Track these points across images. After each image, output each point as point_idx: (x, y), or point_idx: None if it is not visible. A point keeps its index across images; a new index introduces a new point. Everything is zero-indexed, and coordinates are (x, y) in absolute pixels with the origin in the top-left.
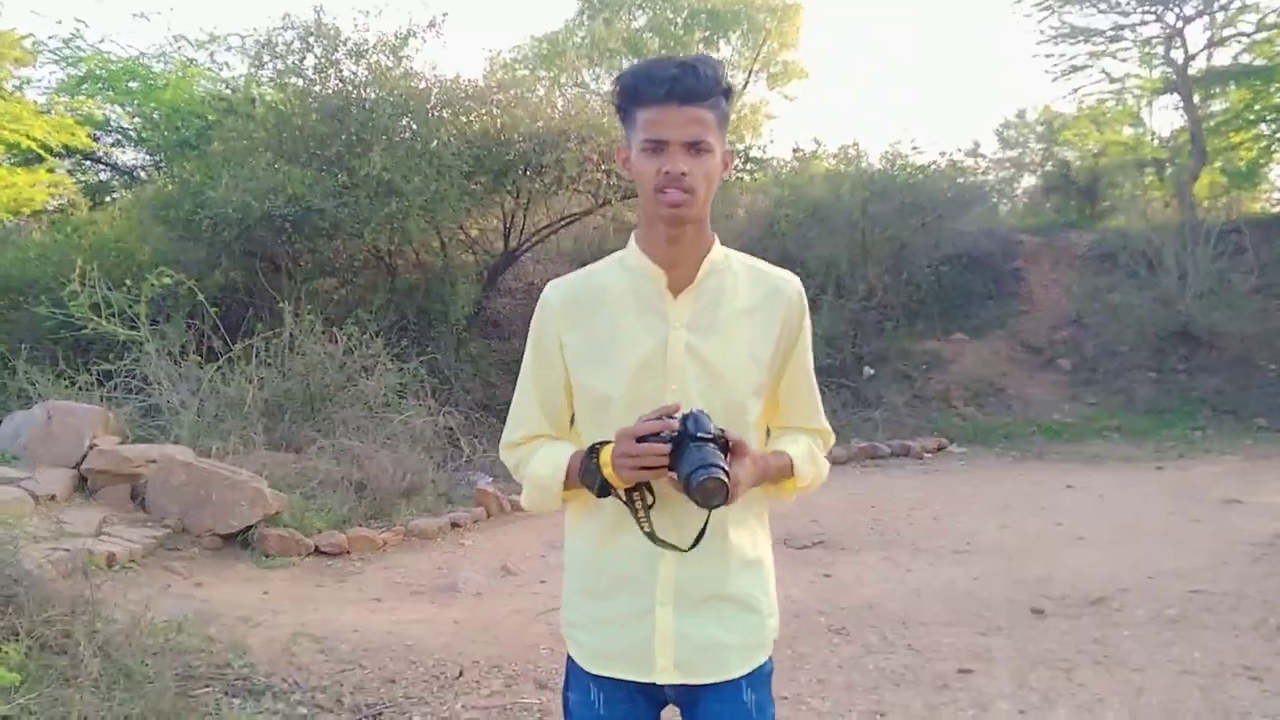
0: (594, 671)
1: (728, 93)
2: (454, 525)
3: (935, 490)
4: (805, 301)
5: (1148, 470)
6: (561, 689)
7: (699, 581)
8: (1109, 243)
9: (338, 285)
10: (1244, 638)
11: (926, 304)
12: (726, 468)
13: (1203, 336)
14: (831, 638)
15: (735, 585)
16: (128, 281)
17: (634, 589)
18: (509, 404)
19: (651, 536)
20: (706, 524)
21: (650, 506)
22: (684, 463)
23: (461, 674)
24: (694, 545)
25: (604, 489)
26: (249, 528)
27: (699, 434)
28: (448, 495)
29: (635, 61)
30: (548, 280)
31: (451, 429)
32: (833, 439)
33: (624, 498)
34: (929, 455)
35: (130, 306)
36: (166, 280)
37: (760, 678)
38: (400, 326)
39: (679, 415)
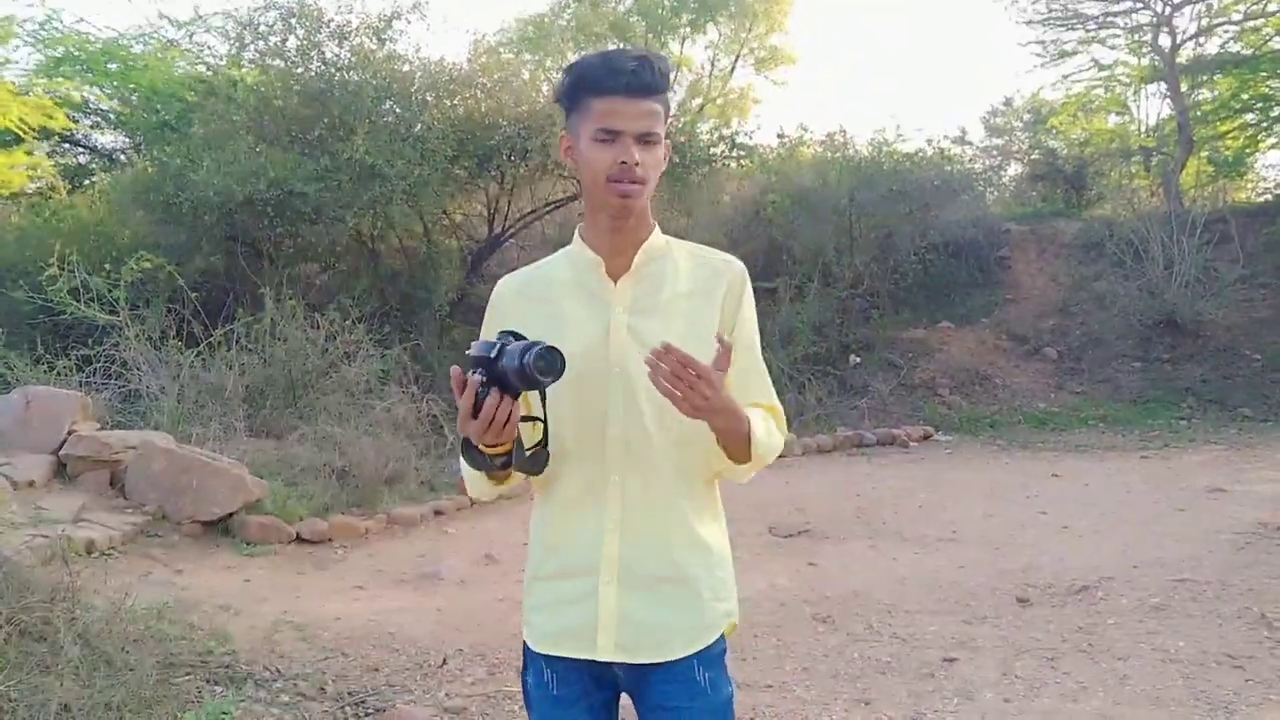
0: (543, 651)
1: (672, 88)
2: (437, 513)
3: (921, 479)
4: (747, 282)
5: (1133, 459)
6: (520, 674)
7: (643, 561)
8: (1095, 232)
9: (320, 270)
10: (1227, 626)
11: (913, 292)
12: (540, 341)
13: (1188, 326)
14: (817, 626)
15: (679, 566)
16: (107, 266)
17: (583, 570)
18: None
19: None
20: (545, 424)
21: (542, 439)
22: (510, 377)
23: (445, 662)
24: (542, 444)
25: (505, 461)
26: (230, 515)
27: (493, 353)
28: (431, 483)
29: (586, 54)
30: None
31: (435, 416)
32: (784, 420)
33: (534, 449)
34: (915, 444)
35: (110, 291)
36: (146, 265)
37: (711, 657)
38: (383, 312)
39: (472, 367)
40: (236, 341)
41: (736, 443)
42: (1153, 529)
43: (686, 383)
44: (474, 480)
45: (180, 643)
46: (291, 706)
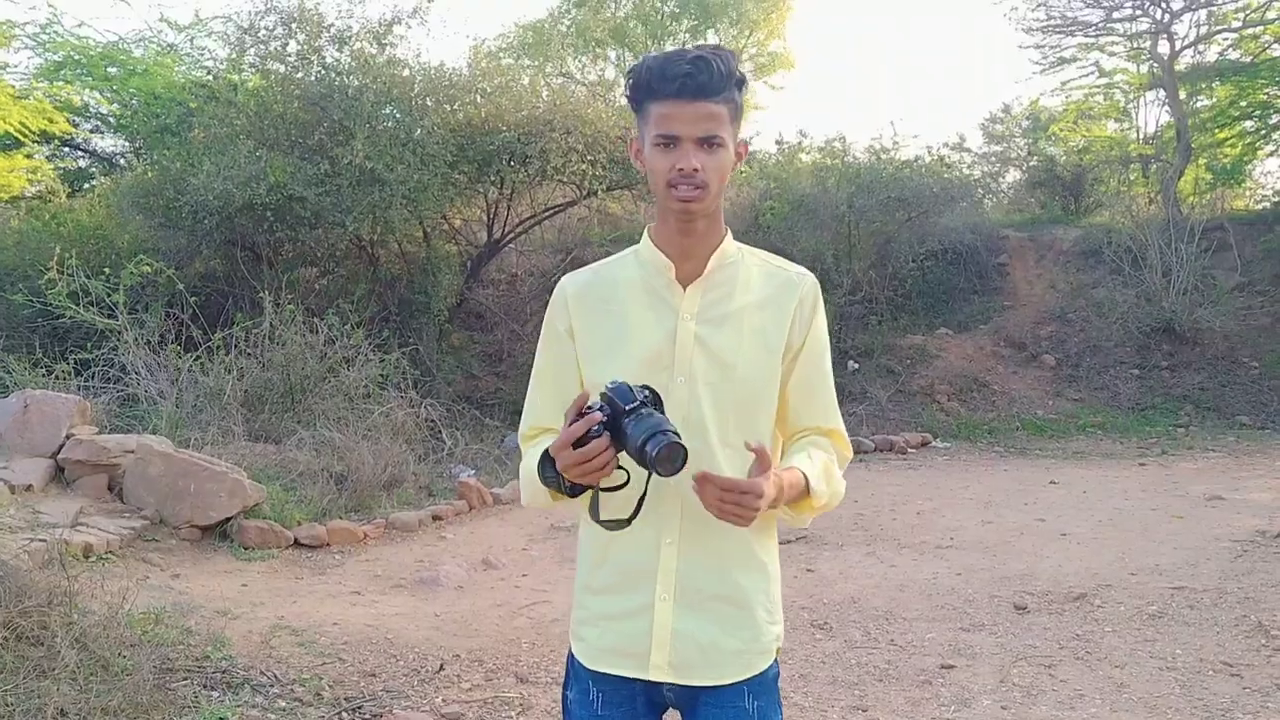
0: (594, 668)
1: (741, 84)
2: (435, 518)
3: (919, 485)
4: (820, 297)
5: (1131, 467)
6: (561, 687)
7: (701, 578)
8: (1093, 239)
9: (319, 275)
10: (1225, 634)
11: (911, 299)
12: (674, 429)
13: (1186, 333)
14: (814, 633)
15: (737, 586)
16: (106, 269)
17: (635, 582)
18: (490, 396)
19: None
20: (644, 497)
21: (622, 485)
22: (630, 440)
23: (442, 668)
24: (630, 518)
25: (574, 490)
26: (228, 519)
27: (630, 405)
28: (429, 488)
29: (648, 54)
30: (530, 271)
31: (433, 421)
32: (849, 450)
33: (604, 489)
34: (913, 450)
35: (109, 295)
36: (146, 268)
37: (763, 684)
38: (382, 317)
39: (597, 400)
40: (235, 346)
41: (796, 500)
42: (1150, 536)
43: (733, 502)
44: (535, 492)
45: (177, 647)
46: (288, 712)
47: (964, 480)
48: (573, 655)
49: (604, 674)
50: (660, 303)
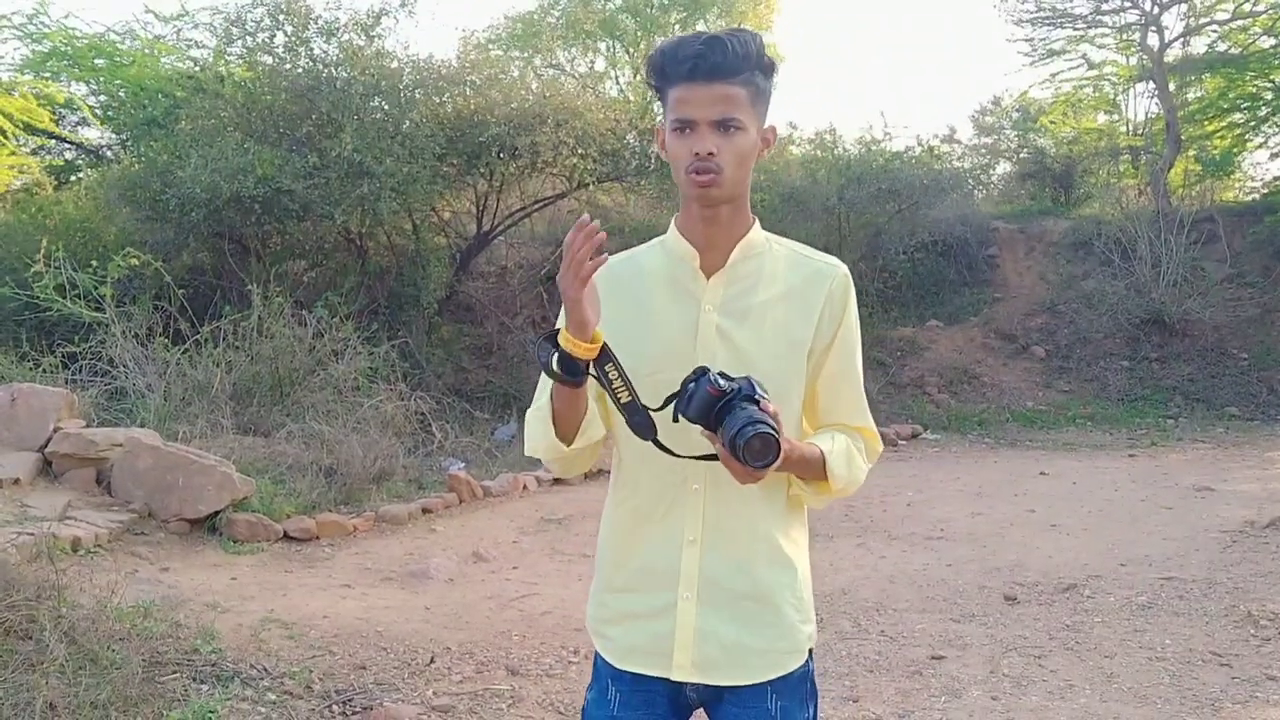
0: (620, 667)
1: (767, 67)
2: (425, 511)
3: (909, 477)
4: (851, 289)
5: (1120, 458)
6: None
7: (725, 576)
8: (1083, 230)
9: (307, 268)
10: (1214, 624)
11: (902, 291)
12: (777, 428)
13: (1175, 325)
14: None
15: (763, 584)
16: (93, 262)
17: (657, 581)
18: (480, 389)
19: (630, 407)
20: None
21: (623, 379)
22: (730, 421)
23: (433, 660)
24: (700, 459)
25: (566, 366)
26: (217, 513)
27: (754, 395)
28: (419, 480)
29: (665, 39)
30: (520, 264)
31: (423, 414)
32: (879, 444)
33: (595, 372)
34: (903, 442)
35: (96, 288)
36: (133, 261)
37: (788, 684)
38: (371, 310)
39: (739, 378)
40: (223, 339)
41: (812, 476)
42: (1140, 527)
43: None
44: (538, 430)
45: (166, 641)
46: (278, 705)
47: (954, 472)
48: (598, 654)
49: (626, 673)
50: (683, 293)
